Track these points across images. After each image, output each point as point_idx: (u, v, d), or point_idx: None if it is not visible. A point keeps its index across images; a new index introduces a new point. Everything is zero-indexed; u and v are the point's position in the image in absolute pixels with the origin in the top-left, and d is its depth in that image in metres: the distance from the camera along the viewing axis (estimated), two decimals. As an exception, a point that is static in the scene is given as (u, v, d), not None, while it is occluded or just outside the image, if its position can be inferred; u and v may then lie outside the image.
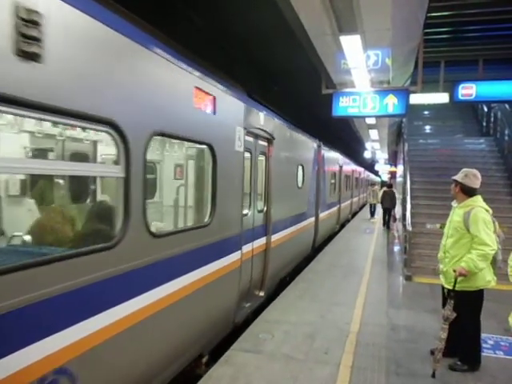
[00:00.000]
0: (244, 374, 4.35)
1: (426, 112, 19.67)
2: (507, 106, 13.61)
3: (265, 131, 6.52)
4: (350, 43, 6.40)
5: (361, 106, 8.77)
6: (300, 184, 9.39)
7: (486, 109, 17.07)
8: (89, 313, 2.79)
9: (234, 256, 5.34)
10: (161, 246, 3.65)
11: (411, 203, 11.16)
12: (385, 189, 18.41)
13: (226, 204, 5.04)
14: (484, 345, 5.02)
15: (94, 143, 4.37)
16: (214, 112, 4.57)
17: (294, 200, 8.90)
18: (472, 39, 11.32)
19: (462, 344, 4.59)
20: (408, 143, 15.06)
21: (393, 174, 33.68)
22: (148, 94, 3.39)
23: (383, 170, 42.95)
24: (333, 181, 14.68)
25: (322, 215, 12.17)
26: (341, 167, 16.70)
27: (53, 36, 2.40)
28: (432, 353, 4.86)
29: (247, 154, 5.87)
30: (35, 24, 2.27)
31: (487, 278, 4.47)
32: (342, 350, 5.00)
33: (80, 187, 4.34)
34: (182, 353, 4.14)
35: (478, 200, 4.61)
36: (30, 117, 2.49)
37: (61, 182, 4.40)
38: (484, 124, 17.41)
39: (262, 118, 6.35)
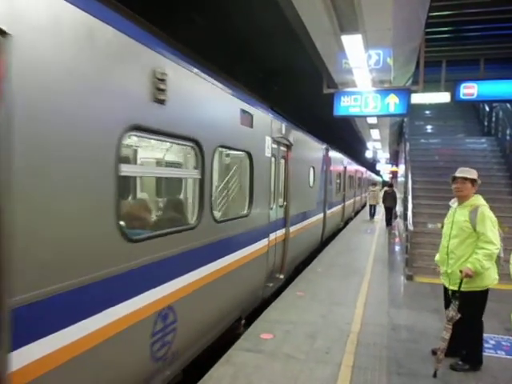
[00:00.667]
0: (245, 373, 4.35)
1: (427, 112, 19.65)
2: (509, 105, 13.58)
3: (285, 139, 7.65)
4: (352, 43, 6.40)
5: (362, 105, 8.77)
6: (311, 183, 10.46)
7: (487, 108, 17.04)
8: (186, 270, 4.09)
9: (264, 242, 6.55)
10: (221, 230, 4.89)
11: (412, 203, 11.15)
12: (386, 188, 19.13)
13: (259, 199, 6.17)
14: (485, 345, 5.01)
15: (185, 155, 5.67)
16: (252, 126, 5.79)
17: (307, 198, 10.03)
18: (473, 38, 11.31)
19: (464, 344, 4.58)
20: (409, 143, 15.05)
21: (394, 174, 33.65)
22: (214, 119, 4.71)
23: (384, 169, 42.92)
24: (338, 181, 15.69)
25: (328, 212, 13.22)
26: (345, 168, 17.62)
27: (171, 88, 3.62)
28: (433, 353, 4.86)
29: (272, 159, 6.93)
30: (163, 81, 3.48)
31: (494, 276, 4.46)
32: (342, 350, 5.00)
33: (177, 186, 5.74)
34: (232, 310, 5.47)
35: (481, 198, 4.60)
36: (156, 139, 3.88)
37: (165, 181, 5.97)
38: (485, 124, 17.38)
39: (283, 128, 7.49)
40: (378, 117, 11.80)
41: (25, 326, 2.32)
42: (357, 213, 24.94)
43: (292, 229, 8.28)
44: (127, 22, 3.20)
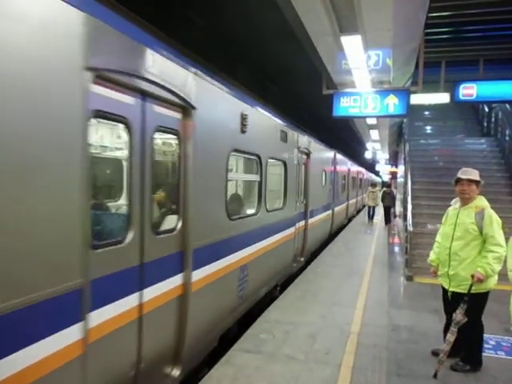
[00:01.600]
0: (244, 374, 4.34)
1: (426, 112, 19.68)
2: (508, 106, 13.60)
3: (306, 149, 9.59)
4: (351, 43, 6.40)
5: (362, 106, 8.77)
6: (323, 184, 12.46)
7: (486, 109, 17.06)
8: (253, 242, 6.06)
9: (292, 229, 8.51)
10: (269, 217, 6.89)
11: (412, 203, 11.15)
12: (384, 189, 20.10)
13: (290, 196, 8.13)
14: (485, 345, 5.02)
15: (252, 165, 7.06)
16: (286, 141, 7.81)
17: (320, 196, 11.99)
18: (473, 39, 11.31)
19: (465, 344, 4.57)
20: (409, 143, 15.08)
21: (393, 175, 33.66)
22: (267, 139, 6.83)
23: (384, 170, 42.91)
24: (343, 181, 17.70)
25: (336, 209, 15.18)
26: (349, 170, 19.62)
27: (249, 123, 5.55)
28: (433, 353, 4.86)
29: (297, 165, 8.93)
30: (245, 118, 5.43)
31: (496, 278, 4.46)
32: (342, 351, 5.00)
33: (250, 186, 7.37)
34: (274, 276, 7.46)
35: (485, 200, 4.58)
36: (239, 155, 6.00)
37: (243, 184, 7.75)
38: (485, 124, 17.40)
39: (305, 140, 9.45)
40: (378, 117, 11.80)
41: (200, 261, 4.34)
42: (359, 211, 26.59)
43: (310, 221, 10.26)
44: (235, 90, 5.35)
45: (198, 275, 4.18)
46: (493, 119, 16.10)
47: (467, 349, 4.63)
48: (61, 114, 2.48)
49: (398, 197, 18.42)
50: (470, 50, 11.75)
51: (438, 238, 4.97)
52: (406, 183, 12.98)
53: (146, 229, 3.43)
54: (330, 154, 13.58)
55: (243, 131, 5.42)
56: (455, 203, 4.79)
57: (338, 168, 15.45)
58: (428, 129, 19.59)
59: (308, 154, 9.92)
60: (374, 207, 20.12)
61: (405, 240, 10.85)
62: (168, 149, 4.23)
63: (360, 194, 26.66)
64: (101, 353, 2.94)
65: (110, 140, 4.59)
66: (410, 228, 9.93)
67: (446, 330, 4.58)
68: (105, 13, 2.87)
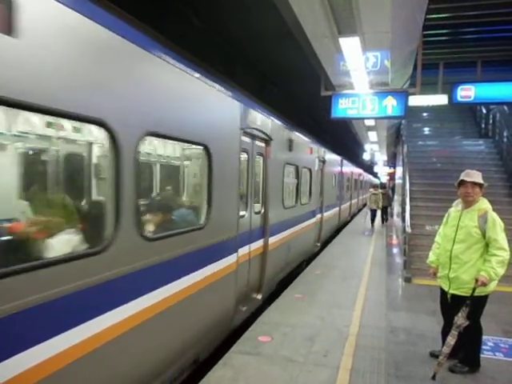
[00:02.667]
0: (243, 376, 4.34)
1: (424, 114, 19.72)
2: (506, 107, 13.63)
3: (323, 157, 12.32)
4: (350, 45, 6.39)
5: (360, 107, 8.77)
6: (333, 185, 15.25)
7: (484, 110, 17.10)
8: (293, 225, 8.71)
9: (314, 220, 11.34)
10: (302, 209, 9.57)
11: (410, 205, 11.16)
12: (380, 191, 20.43)
13: (313, 195, 10.94)
14: (483, 346, 5.01)
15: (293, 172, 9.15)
16: (311, 154, 10.63)
17: (331, 196, 14.70)
18: (470, 41, 11.35)
19: (463, 346, 4.57)
20: (407, 145, 15.09)
21: (391, 176, 33.68)
22: (303, 153, 9.45)
23: (382, 171, 42.95)
24: (347, 183, 20.32)
25: (342, 207, 18.03)
26: (351, 173, 22.00)
27: (293, 144, 8.36)
28: (432, 355, 4.86)
29: (318, 171, 11.82)
30: (291, 141, 8.19)
31: (496, 281, 4.45)
32: (341, 353, 4.99)
33: (293, 187, 9.27)
34: (302, 254, 10.04)
35: (487, 202, 4.57)
36: (288, 166, 8.34)
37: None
38: (483, 126, 17.45)
39: (322, 151, 12.24)
40: (376, 119, 11.81)
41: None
42: (360, 210, 29.53)
43: (325, 214, 13.07)
44: (289, 125, 8.25)
45: (270, 241, 6.98)
46: (490, 121, 16.15)
47: (466, 350, 4.63)
48: (234, 150, 5.37)
49: (396, 197, 18.85)
50: (468, 51, 11.80)
51: (438, 238, 4.95)
52: (404, 185, 12.99)
53: (251, 210, 6.26)
54: (338, 160, 16.52)
55: (290, 150, 8.17)
56: (457, 205, 4.76)
57: (344, 172, 18.34)
58: (426, 130, 19.62)
59: (324, 162, 12.58)
60: (375, 211, 18.82)
61: (403, 241, 10.86)
62: (259, 164, 6.74)
63: (361, 195, 30.34)
64: (241, 272, 5.73)
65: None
66: (408, 229, 9.94)
67: (444, 332, 4.58)
68: (246, 102, 5.77)
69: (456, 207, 4.77)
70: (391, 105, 8.51)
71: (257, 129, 6.16)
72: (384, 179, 43.00)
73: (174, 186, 5.21)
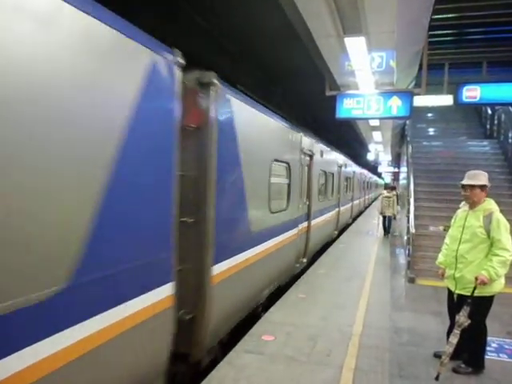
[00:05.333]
0: (246, 375, 4.34)
1: (429, 114, 19.64)
2: (511, 108, 13.56)
3: (340, 164, 14.88)
4: (355, 45, 6.39)
5: (365, 107, 8.75)
6: (350, 186, 18.79)
7: (489, 111, 17.02)
8: (326, 213, 12.46)
9: (334, 212, 14.03)
10: (329, 202, 13.09)
11: (414, 205, 11.14)
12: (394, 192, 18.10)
13: (335, 193, 13.80)
14: (488, 348, 4.98)
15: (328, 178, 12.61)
16: (340, 168, 14.86)
17: (347, 193, 17.92)
18: (476, 41, 11.32)
19: (467, 347, 4.56)
20: (411, 145, 15.05)
21: (395, 176, 33.61)
22: (332, 161, 13.37)
23: (386, 171, 42.83)
24: (359, 185, 23.59)
25: (354, 203, 20.99)
26: (360, 174, 25.09)
27: (324, 155, 11.49)
28: (435, 356, 4.85)
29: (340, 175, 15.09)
30: (323, 153, 11.29)
31: (502, 282, 4.45)
32: (344, 353, 4.99)
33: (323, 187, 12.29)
34: (325, 238, 12.79)
35: (493, 202, 4.57)
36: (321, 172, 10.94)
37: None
38: (488, 126, 17.35)
39: (340, 157, 15.13)
40: (381, 119, 11.79)
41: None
42: (367, 207, 33.25)
43: (341, 208, 15.54)
44: (322, 142, 11.46)
45: (312, 223, 9.98)
46: (496, 121, 16.06)
47: (470, 351, 4.62)
48: (298, 164, 8.50)
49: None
50: (474, 52, 11.76)
51: (447, 239, 4.96)
52: (408, 185, 12.96)
53: (304, 201, 9.17)
54: (353, 165, 19.94)
55: (322, 159, 10.91)
56: (464, 205, 4.78)
57: (356, 174, 21.54)
58: (431, 131, 19.55)
59: (341, 167, 14.96)
60: (389, 218, 15.66)
61: (407, 242, 10.84)
62: (305, 172, 9.44)
63: (368, 194, 34.17)
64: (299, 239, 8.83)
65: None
66: (412, 230, 9.92)
67: (450, 332, 4.56)
68: (304, 132, 8.95)
69: (463, 208, 4.79)
70: (396, 105, 8.49)
71: (306, 149, 9.24)
72: (388, 179, 42.88)
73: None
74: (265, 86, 12.72)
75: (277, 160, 6.87)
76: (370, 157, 30.54)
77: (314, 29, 6.50)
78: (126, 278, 3.11)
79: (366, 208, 31.91)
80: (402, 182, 20.22)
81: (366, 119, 11.78)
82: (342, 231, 16.37)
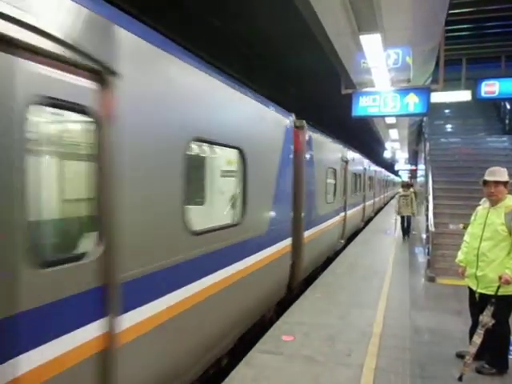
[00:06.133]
0: (265, 375, 4.34)
1: (446, 111, 19.38)
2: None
3: (365, 167, 18.00)
4: (370, 42, 6.34)
5: (381, 105, 8.68)
6: (372, 185, 22.00)
7: (508, 106, 16.72)
8: (355, 207, 15.57)
9: (362, 206, 17.29)
10: (359, 197, 16.66)
11: (433, 203, 10.99)
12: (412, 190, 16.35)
13: (362, 191, 17.07)
14: (511, 348, 4.90)
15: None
16: (365, 169, 18.26)
17: (370, 191, 20.75)
18: (494, 35, 11.14)
19: (491, 347, 4.47)
20: (429, 142, 14.86)
21: (412, 174, 33.32)
22: (361, 166, 16.94)
23: (403, 169, 42.42)
24: (377, 183, 25.77)
25: (375, 200, 24.21)
26: (380, 173, 28.02)
27: (354, 160, 14.33)
28: (458, 356, 4.78)
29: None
30: (347, 163, 12.66)
31: None
32: (364, 352, 4.95)
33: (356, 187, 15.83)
34: (355, 227, 15.40)
35: None
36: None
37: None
38: (507, 122, 17.05)
39: (366, 161, 18.59)
40: (397, 117, 11.67)
41: None
42: (386, 203, 34.85)
43: (366, 203, 18.68)
44: (353, 149, 14.82)
45: (348, 213, 12.83)
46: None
47: (493, 351, 4.53)
48: (341, 170, 11.90)
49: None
50: (492, 46, 11.58)
51: (467, 237, 4.86)
52: (426, 183, 12.80)
53: (341, 197, 12.06)
54: (373, 165, 22.92)
55: (353, 163, 11.86)
56: (484, 202, 4.68)
57: (376, 174, 24.51)
58: (448, 127, 19.28)
59: (365, 169, 18.26)
60: (408, 218, 14.15)
61: (426, 240, 10.71)
62: (343, 175, 12.15)
63: (386, 192, 36.85)
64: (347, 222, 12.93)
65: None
66: (432, 228, 9.79)
67: (472, 332, 4.48)
68: (344, 145, 12.54)
69: (483, 205, 4.69)
70: (413, 102, 8.39)
71: (344, 156, 12.12)
72: (405, 177, 42.43)
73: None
74: (278, 85, 12.71)
75: (329, 167, 10.22)
76: (387, 155, 30.27)
77: (329, 27, 6.48)
78: (280, 231, 6.48)
79: (385, 205, 33.56)
80: (420, 179, 19.99)
81: (383, 117, 11.69)
82: (367, 222, 19.62)
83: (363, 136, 25.40)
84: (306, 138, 7.71)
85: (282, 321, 6.00)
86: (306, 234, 7.74)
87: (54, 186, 3.60)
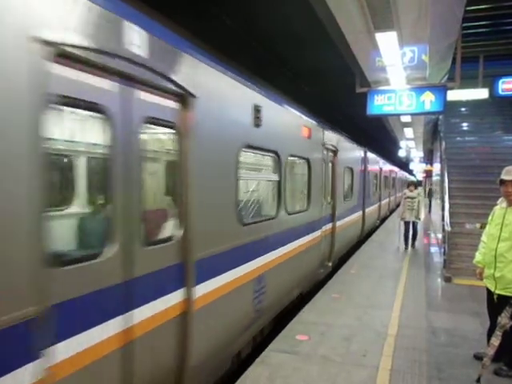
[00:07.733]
0: (281, 374, 4.33)
1: (462, 109, 19.05)
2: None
3: (381, 166, 19.03)
4: (386, 40, 6.29)
5: (396, 103, 8.60)
6: (389, 184, 23.44)
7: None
8: (380, 200, 19.55)
9: (377, 204, 18.45)
10: (376, 195, 18.57)
11: (449, 203, 10.86)
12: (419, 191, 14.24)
13: (377, 189, 18.54)
14: (530, 350, 4.82)
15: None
16: (378, 165, 18.64)
17: (388, 190, 22.89)
18: (512, 32, 10.95)
19: (509, 349, 4.41)
20: (445, 141, 14.67)
21: (428, 173, 32.91)
22: (375, 166, 17.98)
23: (418, 168, 41.98)
24: (394, 184, 28.00)
25: (391, 198, 25.64)
26: (396, 173, 29.23)
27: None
28: (475, 357, 4.72)
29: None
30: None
31: None
32: (380, 353, 4.91)
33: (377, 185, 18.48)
34: (373, 223, 17.04)
35: None
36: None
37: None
38: (525, 120, 16.74)
39: (380, 161, 19.06)
40: (413, 115, 11.56)
41: None
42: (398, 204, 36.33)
43: (382, 202, 19.72)
44: (372, 151, 16.34)
45: (366, 211, 14.14)
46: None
47: (511, 353, 4.46)
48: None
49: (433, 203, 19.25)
50: (510, 43, 11.38)
51: (484, 237, 4.79)
52: (442, 182, 12.64)
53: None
54: (391, 166, 24.73)
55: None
56: (501, 202, 4.61)
57: (395, 175, 27.30)
58: (465, 126, 18.94)
59: (381, 169, 19.31)
60: (414, 224, 12.17)
61: (442, 240, 10.58)
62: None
63: (401, 191, 38.22)
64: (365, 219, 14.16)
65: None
66: (448, 228, 9.67)
67: (490, 333, 4.42)
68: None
69: (501, 205, 4.62)
70: (429, 100, 8.30)
71: (363, 156, 13.38)
72: (420, 176, 42.01)
73: None
74: (292, 84, 12.70)
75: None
76: (402, 153, 30.00)
77: (344, 26, 6.43)
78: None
79: (397, 206, 31.98)
80: (435, 178, 19.76)
81: (398, 115, 11.58)
82: (382, 220, 21.07)
83: (378, 134, 25.23)
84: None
85: (297, 321, 5.99)
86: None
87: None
